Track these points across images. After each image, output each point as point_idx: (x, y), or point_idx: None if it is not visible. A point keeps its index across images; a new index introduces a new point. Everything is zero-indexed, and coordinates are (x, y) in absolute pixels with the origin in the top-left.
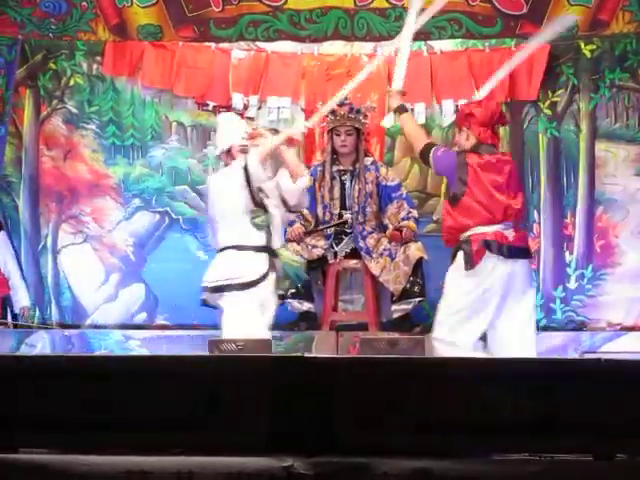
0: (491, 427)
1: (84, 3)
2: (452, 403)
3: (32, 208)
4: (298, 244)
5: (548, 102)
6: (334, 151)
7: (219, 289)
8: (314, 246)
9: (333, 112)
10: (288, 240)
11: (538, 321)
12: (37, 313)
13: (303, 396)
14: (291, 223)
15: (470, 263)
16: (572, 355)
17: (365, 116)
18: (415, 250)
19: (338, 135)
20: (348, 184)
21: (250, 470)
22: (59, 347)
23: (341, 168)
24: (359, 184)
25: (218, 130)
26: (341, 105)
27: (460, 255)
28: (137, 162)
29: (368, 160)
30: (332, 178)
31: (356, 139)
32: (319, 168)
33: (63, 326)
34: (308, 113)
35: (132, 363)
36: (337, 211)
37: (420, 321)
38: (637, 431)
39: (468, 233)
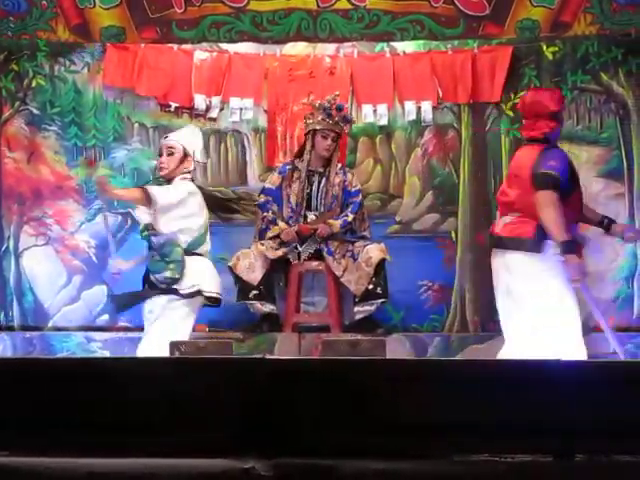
0: (453, 428)
1: (44, 2)
2: (414, 404)
3: None
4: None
5: (510, 103)
6: (311, 152)
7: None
8: (278, 247)
9: (329, 114)
10: (282, 243)
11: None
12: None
13: (264, 398)
14: (273, 220)
15: None
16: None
17: (349, 125)
18: (377, 251)
19: (325, 138)
20: (316, 186)
21: (210, 472)
22: (20, 349)
23: (311, 169)
24: (328, 187)
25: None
26: (340, 110)
27: None
28: (99, 163)
29: (337, 165)
30: (305, 177)
31: (335, 145)
32: (288, 167)
33: (24, 328)
34: (271, 114)
35: (93, 365)
36: (303, 212)
37: (383, 322)
38: (597, 431)
39: None
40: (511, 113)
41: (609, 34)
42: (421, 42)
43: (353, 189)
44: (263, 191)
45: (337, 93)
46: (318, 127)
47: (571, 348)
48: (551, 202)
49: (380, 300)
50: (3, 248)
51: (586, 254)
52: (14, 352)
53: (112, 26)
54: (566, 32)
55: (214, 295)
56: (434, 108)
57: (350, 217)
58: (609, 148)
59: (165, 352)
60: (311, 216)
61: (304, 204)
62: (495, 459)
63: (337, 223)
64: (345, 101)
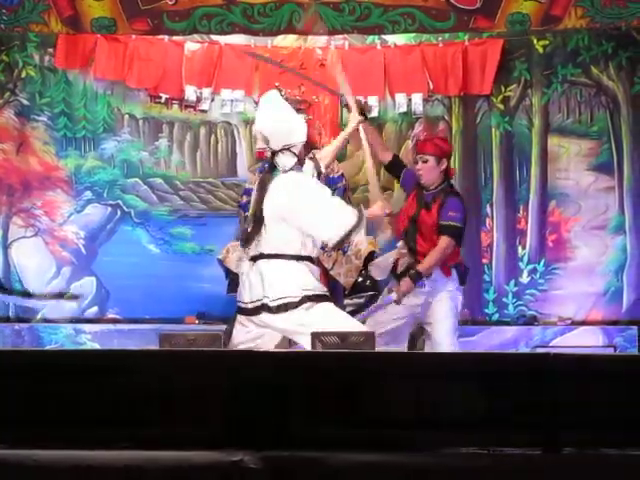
0: (441, 421)
1: None
2: (402, 397)
3: None
4: None
5: (501, 97)
6: None
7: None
8: None
9: None
10: None
11: (490, 315)
12: None
13: (254, 390)
14: None
15: None
16: (523, 349)
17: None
18: (367, 244)
19: None
20: None
21: (200, 464)
22: (9, 341)
23: None
24: None
25: (285, 114)
26: None
27: None
28: (89, 154)
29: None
30: None
31: None
32: (267, 164)
33: (13, 320)
34: None
35: (82, 357)
36: None
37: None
38: (584, 424)
39: None
40: (502, 106)
41: (599, 28)
42: (412, 35)
43: (335, 175)
44: (245, 192)
45: (276, 84)
46: None
47: None
48: None
49: (370, 293)
50: None
51: None
52: (2, 344)
53: (103, 17)
54: (556, 26)
55: None
56: (425, 100)
57: None
58: (599, 141)
59: None
60: None
61: None
62: (483, 452)
63: None
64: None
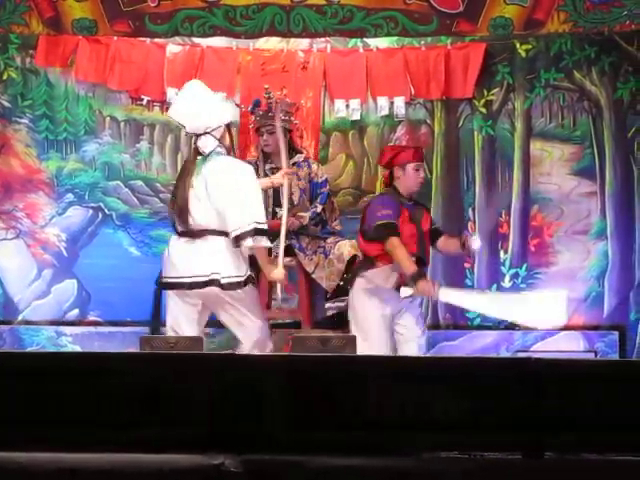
0: (422, 425)
1: None
2: (384, 401)
3: None
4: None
5: (483, 101)
6: (257, 149)
7: None
8: None
9: (253, 112)
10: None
11: (472, 320)
12: None
13: (235, 394)
14: None
15: None
16: (504, 354)
17: (286, 113)
18: (349, 247)
19: (261, 135)
20: None
21: (181, 468)
22: None
23: (273, 166)
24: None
25: (203, 99)
26: (256, 105)
27: None
28: (70, 157)
29: (300, 157)
30: (265, 176)
31: (282, 137)
32: (252, 166)
33: None
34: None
35: (64, 360)
36: (270, 209)
37: None
38: (565, 429)
39: None
40: (484, 110)
41: (582, 32)
42: (394, 38)
43: (320, 180)
44: None
45: (266, 87)
46: (255, 127)
47: None
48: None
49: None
50: None
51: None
52: None
53: (84, 18)
54: (539, 30)
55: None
56: (407, 104)
57: (319, 208)
58: (582, 146)
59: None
60: (280, 212)
61: (270, 201)
62: (465, 456)
63: (306, 215)
64: (317, 97)
